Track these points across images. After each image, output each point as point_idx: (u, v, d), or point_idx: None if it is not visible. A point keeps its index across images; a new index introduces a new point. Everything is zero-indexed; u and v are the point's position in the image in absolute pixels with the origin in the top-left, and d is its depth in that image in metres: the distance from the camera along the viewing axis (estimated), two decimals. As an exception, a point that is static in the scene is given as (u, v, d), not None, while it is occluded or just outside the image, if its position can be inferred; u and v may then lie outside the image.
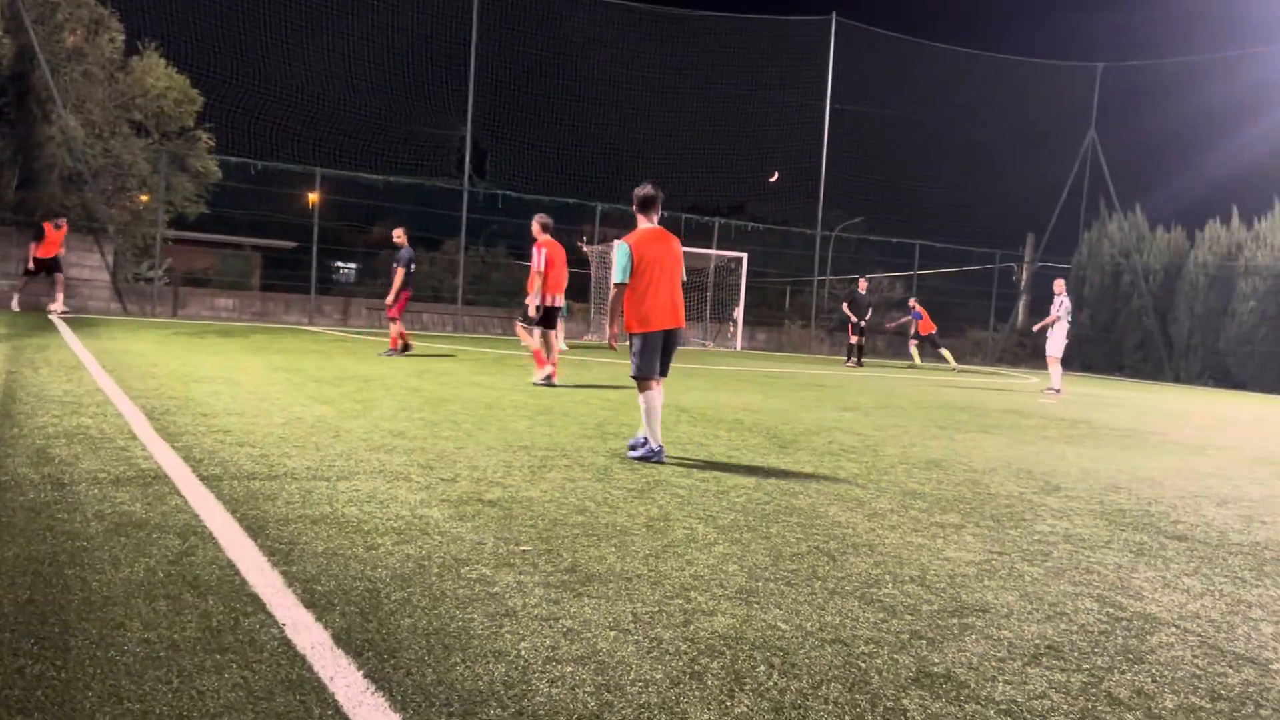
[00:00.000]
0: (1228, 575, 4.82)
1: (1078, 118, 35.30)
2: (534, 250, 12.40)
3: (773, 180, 32.26)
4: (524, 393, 10.97)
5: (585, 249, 22.52)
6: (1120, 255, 32.64)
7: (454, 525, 4.62)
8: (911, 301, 27.30)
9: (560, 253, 12.63)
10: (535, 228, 12.56)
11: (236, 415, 7.60)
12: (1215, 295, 29.65)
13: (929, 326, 26.04)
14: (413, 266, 15.54)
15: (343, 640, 3.09)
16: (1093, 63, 35.18)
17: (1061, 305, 18.34)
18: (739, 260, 29.92)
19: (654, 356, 7.09)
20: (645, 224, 7.32)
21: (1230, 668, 3.48)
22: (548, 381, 12.02)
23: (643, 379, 7.09)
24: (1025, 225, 36.16)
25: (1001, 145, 35.93)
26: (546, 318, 12.46)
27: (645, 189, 7.34)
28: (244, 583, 3.58)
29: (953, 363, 25.99)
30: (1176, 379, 30.20)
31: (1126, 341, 32.11)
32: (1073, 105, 35.35)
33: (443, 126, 28.48)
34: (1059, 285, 18.81)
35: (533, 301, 12.30)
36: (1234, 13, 37.60)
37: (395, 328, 15.79)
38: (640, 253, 7.08)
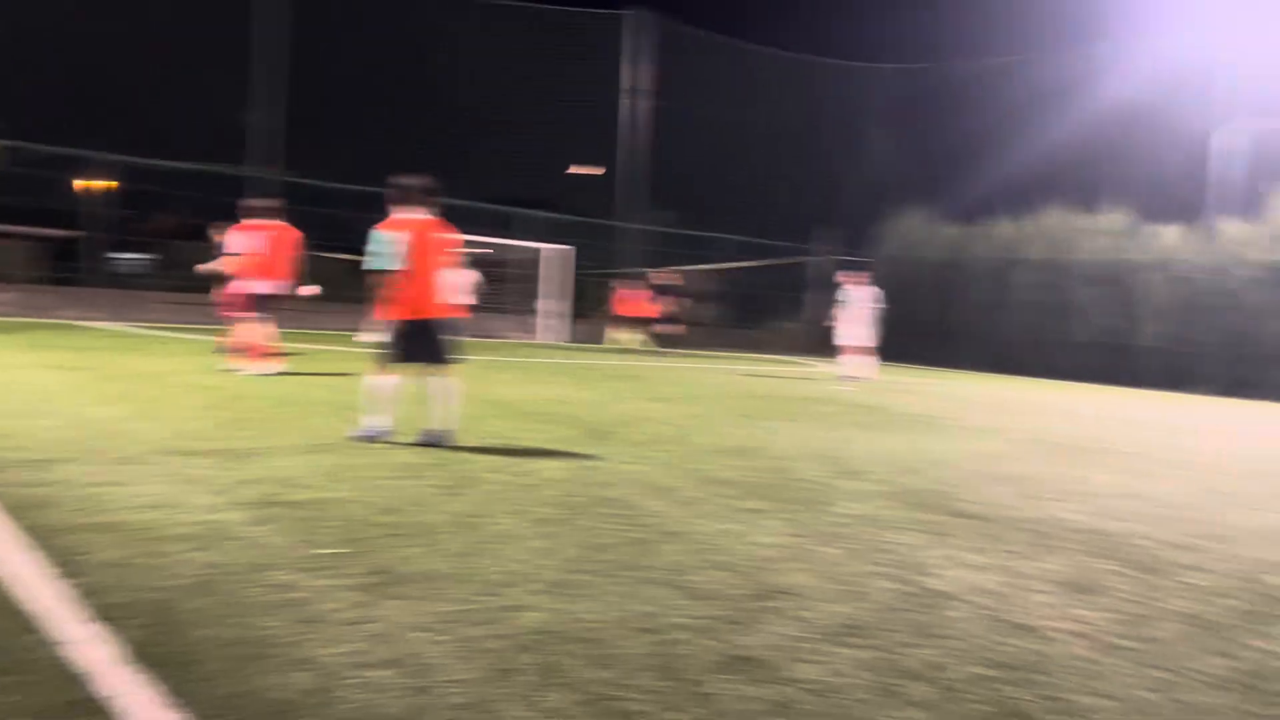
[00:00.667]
0: (1009, 550, 5.15)
1: (869, 116, 37.01)
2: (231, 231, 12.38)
3: (582, 173, 32.38)
4: (327, 388, 10.63)
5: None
6: (908, 248, 34.40)
7: (254, 529, 4.44)
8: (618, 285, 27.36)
9: (282, 239, 12.51)
10: (245, 210, 12.68)
11: (12, 417, 7.06)
12: (994, 286, 31.62)
13: (633, 308, 25.87)
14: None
15: (136, 654, 2.92)
16: (881, 65, 36.94)
17: (858, 297, 19.07)
18: (556, 252, 29.88)
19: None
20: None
21: (1012, 637, 3.72)
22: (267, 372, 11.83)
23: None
24: (823, 220, 37.63)
25: (801, 143, 37.26)
26: (266, 303, 12.31)
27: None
28: (23, 597, 3.33)
29: (631, 343, 25.52)
30: (961, 366, 32.08)
31: (915, 330, 33.88)
32: (865, 104, 37.04)
33: (234, 111, 27.20)
34: (857, 278, 19.59)
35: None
36: (1019, 23, 40.20)
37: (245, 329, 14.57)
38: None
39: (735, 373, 20.19)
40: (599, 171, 32.09)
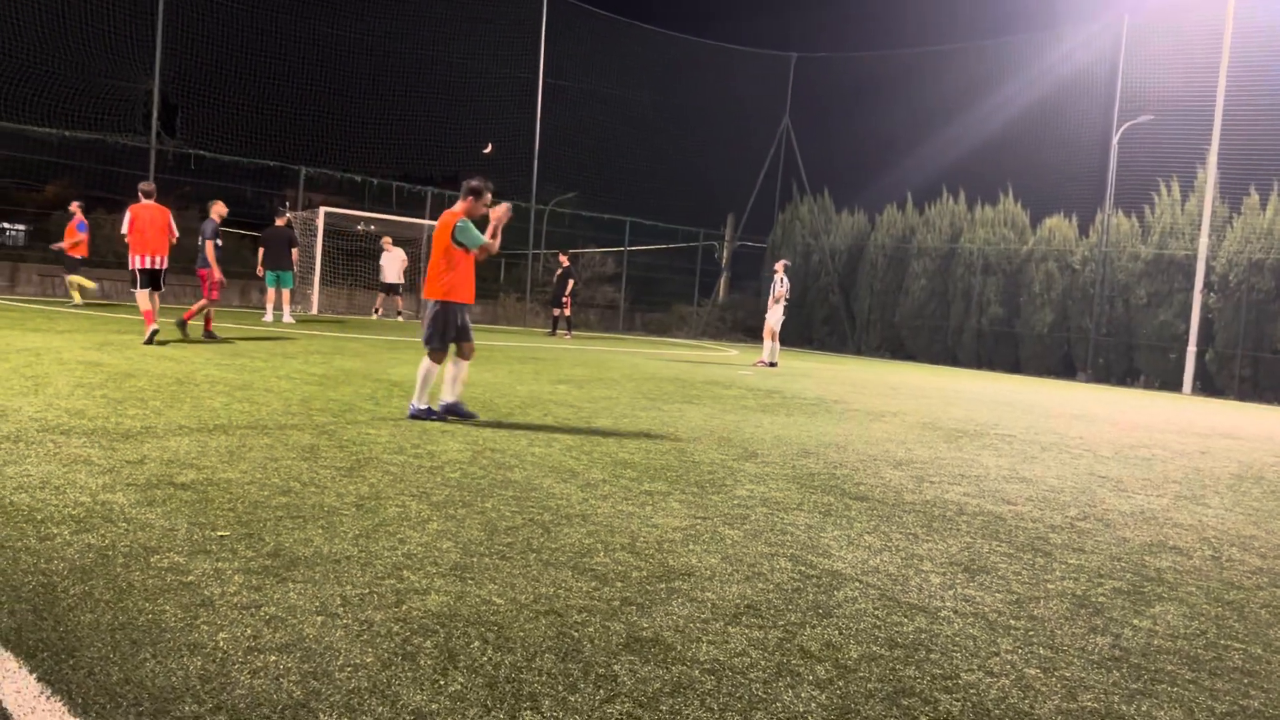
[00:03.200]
0: (902, 532, 5.28)
1: (774, 105, 37.38)
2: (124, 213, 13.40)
3: (486, 152, 32.01)
4: (220, 367, 10.34)
5: (288, 215, 21.41)
6: (810, 236, 34.90)
7: (142, 511, 4.29)
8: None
9: (152, 216, 13.25)
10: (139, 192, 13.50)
11: (-123, 394, 6.70)
12: (892, 274, 32.33)
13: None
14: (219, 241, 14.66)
15: (11, 641, 2.80)
16: (787, 53, 37.33)
17: (784, 284, 19.51)
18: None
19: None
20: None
21: (905, 617, 3.82)
22: (151, 338, 12.50)
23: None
24: (726, 206, 37.95)
25: (705, 128, 37.49)
26: (150, 279, 13.23)
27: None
28: (-113, 584, 3.17)
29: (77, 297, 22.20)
30: (859, 351, 32.71)
31: (815, 316, 34.42)
32: (769, 93, 37.40)
33: (127, 79, 26.18)
34: (780, 266, 19.96)
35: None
36: (929, 15, 40.98)
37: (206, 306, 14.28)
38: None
39: (639, 356, 20.25)
40: (487, 150, 31.73)
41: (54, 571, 3.42)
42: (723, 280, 37.88)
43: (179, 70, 26.87)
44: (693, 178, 37.19)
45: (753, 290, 37.85)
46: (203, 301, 14.31)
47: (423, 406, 7.90)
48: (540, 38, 32.33)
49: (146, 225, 13.23)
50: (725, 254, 37.90)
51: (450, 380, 8.01)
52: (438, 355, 7.99)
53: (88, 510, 4.23)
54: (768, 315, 19.72)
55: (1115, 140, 27.37)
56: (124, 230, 13.30)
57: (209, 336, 14.25)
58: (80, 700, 2.50)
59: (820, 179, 35.86)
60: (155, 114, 26.16)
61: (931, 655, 3.41)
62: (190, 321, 14.11)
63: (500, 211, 8.01)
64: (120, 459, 5.31)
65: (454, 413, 7.97)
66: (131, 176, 26.08)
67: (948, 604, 4.03)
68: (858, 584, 4.21)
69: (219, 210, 14.75)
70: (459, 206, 8.07)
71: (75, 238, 19.83)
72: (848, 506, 5.84)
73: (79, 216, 20.13)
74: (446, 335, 7.95)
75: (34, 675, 2.61)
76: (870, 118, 35.31)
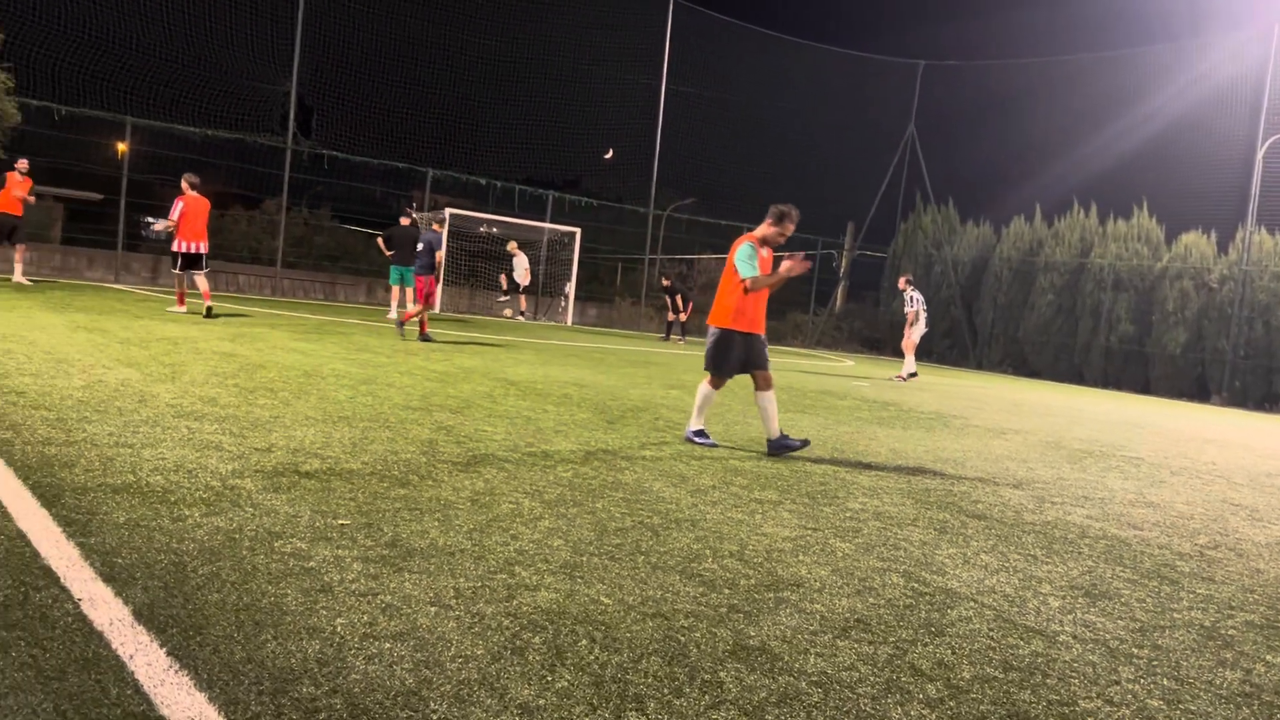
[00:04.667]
0: (1021, 552, 5.13)
1: (899, 113, 36.79)
2: (174, 202, 14.86)
3: (608, 157, 32.31)
4: (345, 362, 10.66)
5: (414, 215, 21.98)
6: (932, 246, 34.24)
7: (268, 497, 4.45)
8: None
9: (198, 206, 14.85)
10: (183, 184, 14.91)
11: (31, 376, 7.10)
12: (1017, 287, 31.47)
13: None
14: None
15: (144, 616, 2.93)
16: (915, 60, 36.70)
17: (914, 301, 19.34)
18: (572, 235, 29.88)
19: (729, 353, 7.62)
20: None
21: (1021, 640, 3.70)
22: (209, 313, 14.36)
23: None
24: (846, 214, 37.49)
25: (826, 135, 37.13)
26: (188, 262, 14.85)
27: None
28: (35, 555, 3.35)
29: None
30: (979, 366, 31.94)
31: (935, 329, 33.72)
32: (895, 101, 36.82)
33: (267, 81, 27.25)
34: (903, 282, 19.77)
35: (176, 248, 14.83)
36: (1060, 24, 39.84)
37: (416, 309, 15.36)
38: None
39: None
40: (609, 155, 31.98)
41: (185, 551, 3.57)
42: (840, 289, 37.43)
43: (315, 73, 27.84)
44: (812, 185, 36.84)
45: (871, 300, 37.30)
46: (419, 306, 15.27)
47: (696, 428, 7.67)
48: (665, 44, 32.47)
49: (192, 214, 14.76)
50: (844, 263, 37.45)
51: (765, 418, 7.63)
52: (716, 382, 7.71)
53: (217, 494, 4.40)
54: (908, 331, 19.48)
55: (1260, 155, 26.13)
56: (174, 218, 14.71)
57: (424, 339, 14.99)
58: (206, 676, 2.60)
59: (945, 189, 35.17)
60: (292, 115, 27.14)
61: (1048, 680, 3.30)
62: (407, 325, 15.36)
63: (793, 266, 7.44)
64: (249, 446, 5.51)
65: (784, 447, 7.53)
66: (268, 175, 27.17)
67: (1067, 628, 3.90)
68: (972, 603, 4.10)
69: (440, 223, 15.55)
70: (759, 229, 7.77)
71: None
72: (964, 524, 5.70)
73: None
74: (726, 364, 7.61)
75: (164, 650, 2.73)
76: (999, 128, 34.50)
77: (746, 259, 7.50)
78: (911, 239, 34.92)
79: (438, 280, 15.76)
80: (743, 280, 7.46)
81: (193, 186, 14.95)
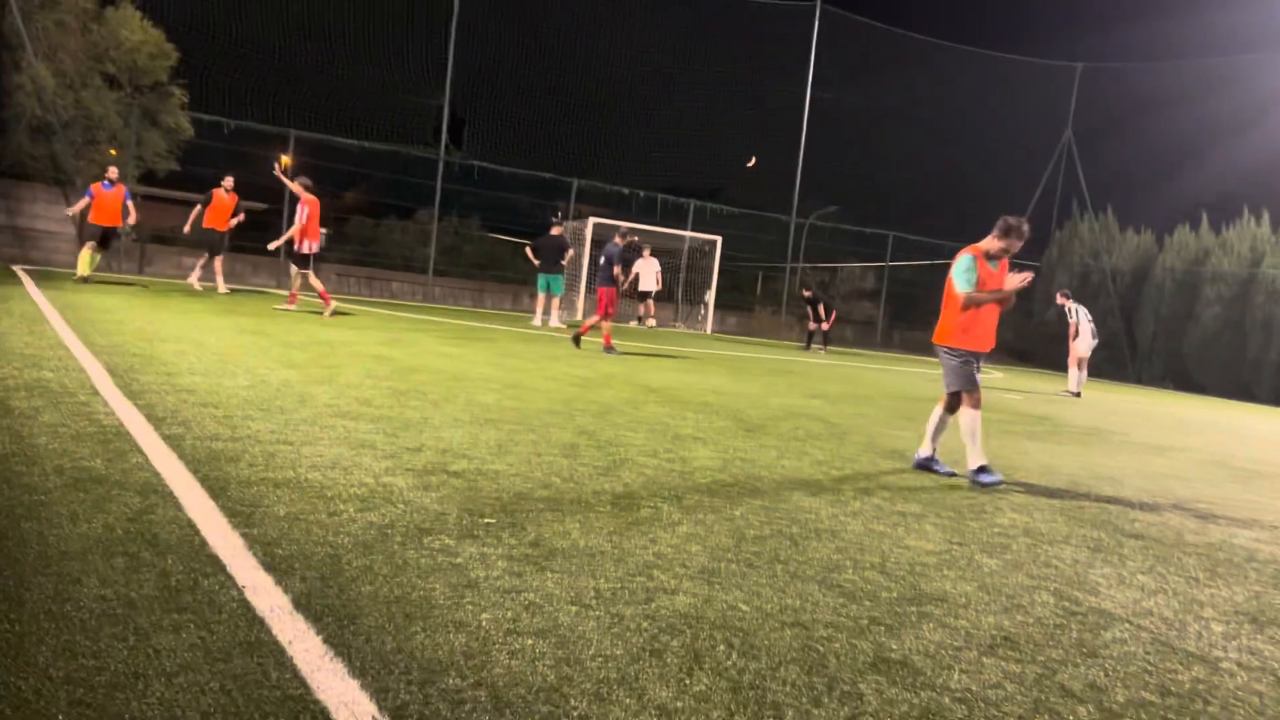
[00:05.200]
0: (1182, 574, 4.89)
1: (1055, 117, 35.56)
2: (300, 207, 15.97)
3: (750, 165, 32.23)
4: (492, 366, 10.93)
5: (556, 226, 22.41)
6: (1090, 256, 32.96)
7: (418, 495, 4.60)
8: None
9: (318, 208, 16.20)
10: (296, 187, 16.24)
11: (201, 375, 7.52)
12: (1180, 299, 30.03)
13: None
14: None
15: (302, 605, 3.07)
16: (1073, 63, 35.42)
17: (1075, 313, 18.80)
18: (713, 243, 29.91)
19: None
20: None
21: (1181, 665, 3.53)
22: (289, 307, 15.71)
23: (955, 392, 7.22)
24: (996, 221, 36.42)
25: (978, 141, 36.15)
26: (307, 260, 16.18)
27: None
28: (204, 543, 3.54)
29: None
30: (1139, 380, 30.58)
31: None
32: (1050, 105, 35.61)
33: (421, 94, 28.22)
34: (1060, 298, 19.25)
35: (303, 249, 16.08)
36: (1223, 24, 37.89)
37: (601, 322, 15.67)
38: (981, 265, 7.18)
39: (896, 374, 19.78)
40: (751, 163, 31.84)
41: (340, 545, 3.72)
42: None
43: (467, 87, 28.68)
44: (962, 192, 35.94)
45: (1022, 310, 36.13)
46: (596, 317, 15.57)
47: (978, 464, 6.98)
48: (810, 50, 32.21)
49: (315, 216, 16.08)
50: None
51: (933, 431, 7.32)
52: (974, 398, 7.16)
53: (371, 490, 4.58)
54: (1072, 345, 18.84)
55: None
56: (303, 220, 15.89)
57: (608, 350, 15.21)
58: (359, 664, 2.71)
59: (1103, 196, 33.83)
60: (445, 128, 28.02)
61: (1209, 708, 3.14)
62: (584, 336, 15.63)
63: (1016, 281, 7.08)
64: (401, 445, 5.71)
65: (926, 469, 7.22)
66: (421, 186, 28.10)
67: (1230, 655, 3.70)
68: (1128, 625, 3.93)
69: (623, 236, 15.83)
70: (983, 241, 7.36)
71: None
72: (1120, 543, 5.47)
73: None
74: (969, 378, 7.18)
75: (320, 637, 2.85)
76: (1162, 132, 32.97)
77: (964, 273, 7.14)
78: (1067, 248, 33.69)
79: (619, 292, 15.80)
80: (962, 294, 7.12)
81: (307, 189, 15.97)
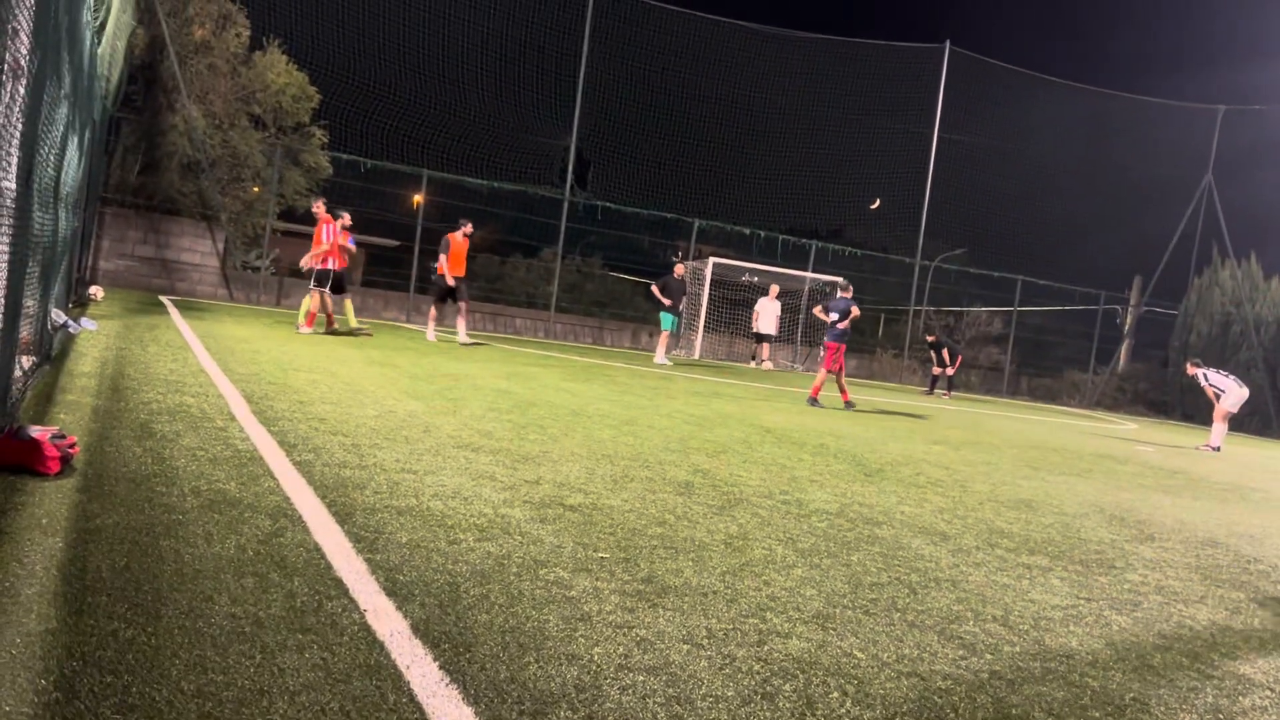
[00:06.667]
0: (1330, 642, 4.61)
1: (1194, 161, 34.28)
2: (325, 227, 16.13)
3: (874, 207, 31.91)
4: (609, 403, 11.02)
5: (679, 265, 22.57)
6: (1231, 304, 31.53)
7: (535, 527, 4.66)
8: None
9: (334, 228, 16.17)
10: (321, 208, 16.40)
11: (331, 404, 7.78)
12: (1332, 351, 28.46)
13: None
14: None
15: (421, 630, 3.14)
16: (1214, 105, 34.15)
17: (1205, 377, 18.23)
18: (834, 285, 29.63)
19: None
20: None
21: (1328, 738, 3.33)
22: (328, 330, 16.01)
23: None
24: (1133, 267, 35.20)
25: (1113, 184, 35.09)
26: (336, 282, 16.23)
27: None
28: (329, 566, 3.65)
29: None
30: (1285, 436, 29.02)
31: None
32: (1190, 148, 34.35)
33: (549, 136, 28.86)
34: (1191, 367, 18.71)
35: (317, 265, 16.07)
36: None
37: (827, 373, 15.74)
38: None
39: (1023, 421, 19.21)
40: (875, 205, 31.49)
41: (458, 573, 3.79)
42: (1124, 348, 35.08)
43: (594, 128, 29.19)
44: (1096, 237, 34.89)
45: (1158, 360, 34.75)
46: (822, 373, 15.72)
47: None
48: (939, 91, 31.82)
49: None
50: (1129, 319, 35.11)
51: None
52: None
53: (489, 521, 4.65)
54: (1219, 404, 18.10)
55: None
56: (328, 240, 16.11)
57: (848, 406, 15.39)
58: (473, 692, 2.75)
59: (1246, 242, 32.37)
60: (570, 168, 28.56)
61: (1361, 788, 2.94)
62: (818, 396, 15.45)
63: None
64: (520, 478, 5.80)
65: None
66: (546, 225, 28.66)
67: (1386, 732, 3.46)
68: (1269, 693, 3.72)
69: (847, 289, 15.95)
70: None
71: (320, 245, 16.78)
72: (1261, 606, 5.18)
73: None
74: None
75: (436, 664, 2.90)
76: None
77: None
78: (1206, 295, 32.30)
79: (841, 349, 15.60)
80: None
81: (330, 210, 16.47)
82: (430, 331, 18.54)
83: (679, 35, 30.08)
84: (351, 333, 17.09)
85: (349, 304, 17.62)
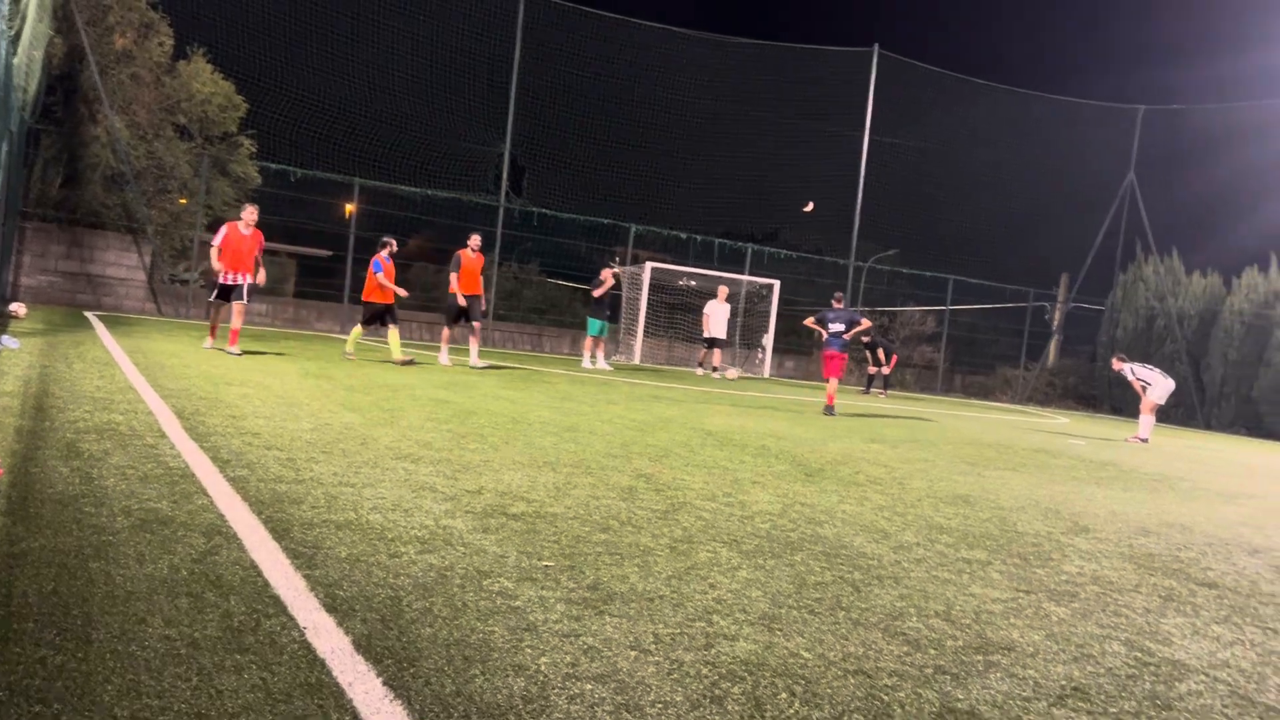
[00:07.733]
0: (1259, 625, 4.73)
1: (1117, 160, 35.13)
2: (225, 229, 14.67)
3: (807, 210, 32.20)
4: (550, 409, 10.97)
5: (617, 270, 22.55)
6: (1155, 299, 32.35)
7: (477, 537, 4.61)
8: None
9: (239, 239, 14.55)
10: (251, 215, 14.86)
11: (265, 418, 7.64)
12: (1250, 343, 29.31)
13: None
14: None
15: (363, 647, 3.08)
16: (1134, 105, 35.04)
17: (1131, 371, 18.58)
18: (770, 287, 29.86)
19: None
20: None
21: (1260, 719, 3.40)
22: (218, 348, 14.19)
23: None
24: (1060, 265, 35.97)
25: (1038, 183, 35.84)
26: (224, 293, 14.65)
27: None
28: (266, 584, 3.58)
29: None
30: (1208, 426, 29.83)
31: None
32: (1112, 147, 35.21)
33: (482, 143, 28.70)
34: (1116, 363, 19.06)
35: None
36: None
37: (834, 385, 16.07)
38: None
39: (958, 418, 19.51)
40: (808, 208, 31.78)
41: (400, 587, 3.73)
42: (1054, 343, 35.80)
43: (527, 135, 29.10)
44: (1023, 236, 35.58)
45: (1086, 355, 35.53)
46: (833, 382, 16.08)
47: None
48: (868, 95, 32.24)
49: (238, 247, 14.54)
50: (1057, 316, 35.85)
51: None
52: None
53: (431, 533, 4.59)
54: (1146, 396, 18.46)
55: None
56: (218, 243, 14.51)
57: (829, 410, 15.61)
58: (418, 707, 2.70)
59: (1168, 238, 33.25)
60: (505, 175, 28.43)
61: (1295, 767, 3.02)
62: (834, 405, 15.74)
63: None
64: (461, 488, 5.74)
65: None
66: (481, 233, 28.47)
67: (1316, 712, 3.55)
68: (1203, 677, 3.80)
69: (838, 300, 16.25)
70: None
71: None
72: (1193, 592, 5.30)
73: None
74: None
75: (379, 680, 2.85)
76: (1228, 174, 32.39)
77: None
78: (1131, 291, 33.09)
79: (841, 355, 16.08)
80: None
81: (247, 225, 14.67)
82: (443, 355, 17.21)
83: (611, 40, 30.12)
84: (406, 363, 15.62)
85: (394, 332, 16.18)
